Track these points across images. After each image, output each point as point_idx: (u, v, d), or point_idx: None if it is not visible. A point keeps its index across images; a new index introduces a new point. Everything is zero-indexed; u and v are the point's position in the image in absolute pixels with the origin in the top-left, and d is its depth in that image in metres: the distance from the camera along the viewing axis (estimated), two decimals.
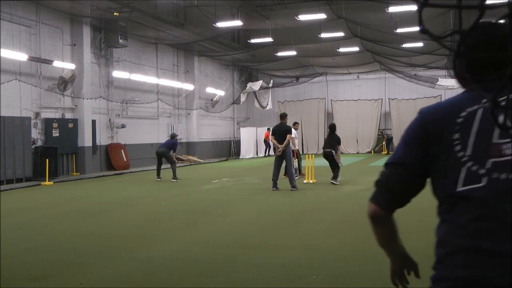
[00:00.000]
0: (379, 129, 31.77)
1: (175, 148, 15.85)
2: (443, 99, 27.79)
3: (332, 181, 13.54)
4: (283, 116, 13.20)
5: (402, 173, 1.57)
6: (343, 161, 17.87)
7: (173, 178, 15.40)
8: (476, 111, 1.46)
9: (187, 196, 12.08)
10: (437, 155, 1.50)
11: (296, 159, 15.25)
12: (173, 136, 16.39)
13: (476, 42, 1.51)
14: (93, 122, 19.29)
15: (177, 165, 17.01)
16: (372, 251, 5.96)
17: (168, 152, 15.58)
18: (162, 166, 16.00)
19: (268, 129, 30.19)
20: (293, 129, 14.88)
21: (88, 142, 18.79)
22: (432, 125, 1.53)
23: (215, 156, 29.00)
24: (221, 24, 21.93)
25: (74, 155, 18.45)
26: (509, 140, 1.39)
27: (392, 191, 1.59)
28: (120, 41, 19.68)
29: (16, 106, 15.94)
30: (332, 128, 14.08)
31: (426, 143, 1.53)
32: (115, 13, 18.58)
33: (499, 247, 1.33)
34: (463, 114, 1.47)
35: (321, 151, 14.27)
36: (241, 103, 31.45)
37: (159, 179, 15.61)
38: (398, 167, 1.58)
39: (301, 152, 19.08)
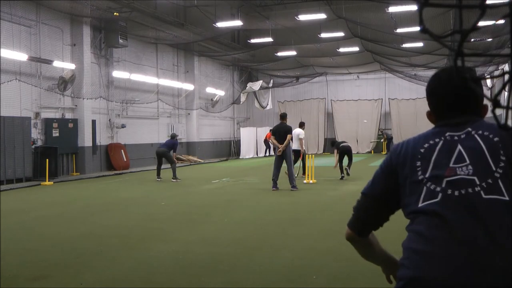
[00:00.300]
0: (379, 129, 31.72)
1: (175, 148, 15.85)
2: None
3: (348, 173, 15.11)
4: (283, 116, 13.21)
5: (371, 204, 1.86)
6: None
7: (173, 178, 15.40)
8: (437, 143, 1.71)
9: (187, 196, 12.08)
10: (403, 182, 1.74)
11: (301, 159, 15.34)
12: (173, 136, 16.39)
13: (442, 91, 1.77)
14: (93, 122, 19.29)
15: (177, 165, 17.02)
16: None
17: (168, 152, 15.59)
18: (162, 166, 16.01)
19: (271, 130, 30.18)
20: (301, 130, 15.23)
21: (88, 142, 18.79)
22: (397, 158, 1.78)
23: (215, 156, 29.00)
24: (221, 24, 21.94)
25: (74, 155, 18.45)
26: (464, 163, 1.63)
27: (363, 220, 1.90)
28: (120, 41, 19.68)
29: (16, 106, 15.93)
30: (333, 143, 16.34)
31: (393, 175, 1.78)
32: (115, 13, 18.58)
33: (448, 251, 1.52)
34: (426, 145, 1.73)
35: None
36: (241, 103, 31.45)
37: (159, 179, 15.62)
38: (368, 198, 1.87)
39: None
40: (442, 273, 1.50)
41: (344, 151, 15.15)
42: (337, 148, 15.32)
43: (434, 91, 1.81)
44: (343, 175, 14.92)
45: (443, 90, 1.77)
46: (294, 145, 15.60)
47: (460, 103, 1.74)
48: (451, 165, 1.64)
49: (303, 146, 15.23)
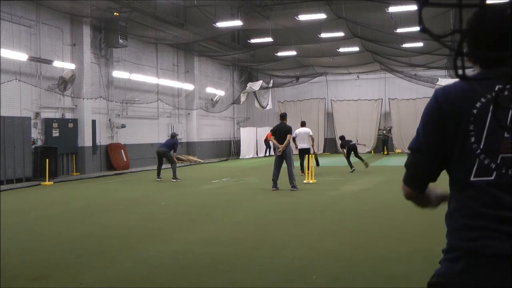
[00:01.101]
0: (379, 129, 31.54)
1: (176, 147, 15.84)
2: None
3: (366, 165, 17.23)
4: (283, 116, 13.18)
5: (421, 158, 1.76)
6: (343, 160, 18.18)
7: (173, 178, 15.40)
8: (489, 105, 1.58)
9: (187, 196, 12.07)
10: (454, 143, 1.65)
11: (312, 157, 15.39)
12: (173, 136, 16.38)
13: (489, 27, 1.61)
14: (93, 122, 19.29)
15: (177, 165, 17.02)
16: (372, 252, 5.96)
17: (168, 152, 15.58)
18: (162, 166, 16.00)
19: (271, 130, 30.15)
20: (308, 128, 15.94)
21: (88, 142, 18.79)
22: (447, 106, 1.65)
23: (215, 156, 28.99)
24: (221, 24, 21.94)
25: (74, 155, 18.45)
26: None
27: (416, 176, 1.80)
28: (120, 41, 19.68)
29: (16, 106, 15.93)
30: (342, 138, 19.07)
31: (442, 125, 1.66)
32: (115, 13, 18.58)
33: (501, 227, 1.55)
34: (478, 105, 1.61)
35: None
36: (241, 103, 31.45)
37: (159, 179, 15.61)
38: (418, 153, 1.77)
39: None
40: (496, 243, 1.54)
41: (350, 149, 17.23)
42: (344, 146, 17.59)
43: (477, 26, 1.61)
44: (353, 168, 16.70)
45: (488, 25, 1.60)
46: (303, 144, 15.53)
47: (506, 42, 1.49)
48: (505, 135, 1.57)
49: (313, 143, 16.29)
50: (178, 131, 24.13)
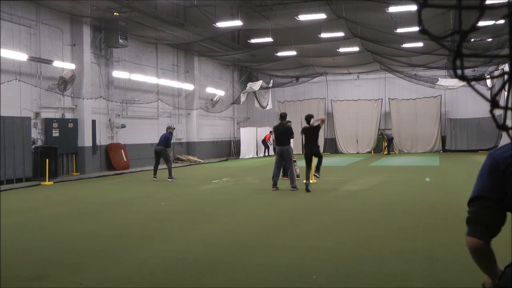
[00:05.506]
0: (379, 129, 31.67)
1: (169, 142, 15.71)
2: (443, 99, 27.66)
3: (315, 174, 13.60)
4: (283, 117, 13.17)
5: (484, 205, 1.83)
6: (343, 160, 18.14)
7: (168, 178, 15.42)
8: None
9: (187, 196, 12.08)
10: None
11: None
12: (167, 129, 16.19)
13: None
14: (93, 122, 19.29)
15: (178, 165, 17.01)
16: (372, 251, 5.96)
17: (165, 151, 15.58)
18: (159, 166, 16.01)
19: (271, 132, 30.20)
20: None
21: (88, 142, 18.80)
22: (497, 164, 1.80)
23: (215, 156, 29.00)
24: (221, 24, 21.94)
25: (74, 155, 18.45)
26: None
27: (482, 223, 1.83)
28: (120, 41, 19.67)
29: (16, 106, 15.94)
30: None
31: (499, 178, 1.79)
32: (115, 13, 18.58)
33: None
34: None
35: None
36: (241, 103, 31.46)
37: (155, 179, 15.61)
38: (480, 200, 1.84)
39: (300, 153, 18.79)
40: None
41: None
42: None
43: None
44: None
45: None
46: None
47: None
48: None
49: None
50: (178, 131, 24.20)
